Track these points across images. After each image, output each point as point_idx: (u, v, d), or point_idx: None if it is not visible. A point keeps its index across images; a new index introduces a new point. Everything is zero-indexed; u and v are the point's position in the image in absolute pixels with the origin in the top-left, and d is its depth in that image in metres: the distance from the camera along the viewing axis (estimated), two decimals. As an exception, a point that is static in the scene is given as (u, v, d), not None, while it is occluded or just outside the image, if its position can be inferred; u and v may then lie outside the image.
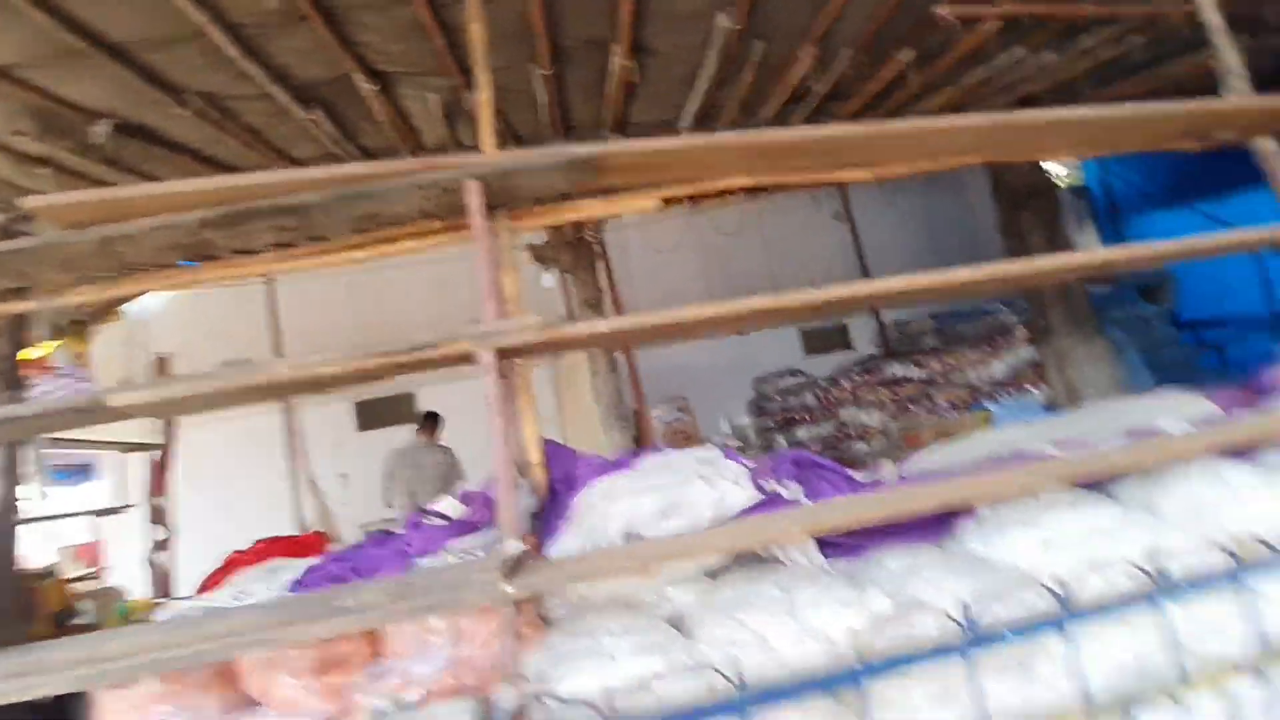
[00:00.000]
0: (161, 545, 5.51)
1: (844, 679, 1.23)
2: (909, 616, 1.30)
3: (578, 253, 4.44)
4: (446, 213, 1.94)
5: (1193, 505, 1.52)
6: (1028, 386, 5.68)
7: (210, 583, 2.98)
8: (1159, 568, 1.38)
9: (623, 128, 4.42)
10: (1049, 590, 1.33)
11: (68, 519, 6.89)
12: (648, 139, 1.94)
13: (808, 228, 8.82)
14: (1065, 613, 1.32)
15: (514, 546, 1.37)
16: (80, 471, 7.82)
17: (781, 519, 1.46)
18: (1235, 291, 7.32)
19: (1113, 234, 8.63)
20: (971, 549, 1.53)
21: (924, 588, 1.37)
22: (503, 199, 1.91)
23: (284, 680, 1.33)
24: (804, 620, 1.32)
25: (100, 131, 3.31)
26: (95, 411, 1.57)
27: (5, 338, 3.86)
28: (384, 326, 6.99)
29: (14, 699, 1.14)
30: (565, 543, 1.50)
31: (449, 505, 1.81)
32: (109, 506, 6.42)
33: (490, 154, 1.85)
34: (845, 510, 1.47)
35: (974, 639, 1.26)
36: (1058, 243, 5.44)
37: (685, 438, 5.19)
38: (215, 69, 3.03)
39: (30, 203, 1.75)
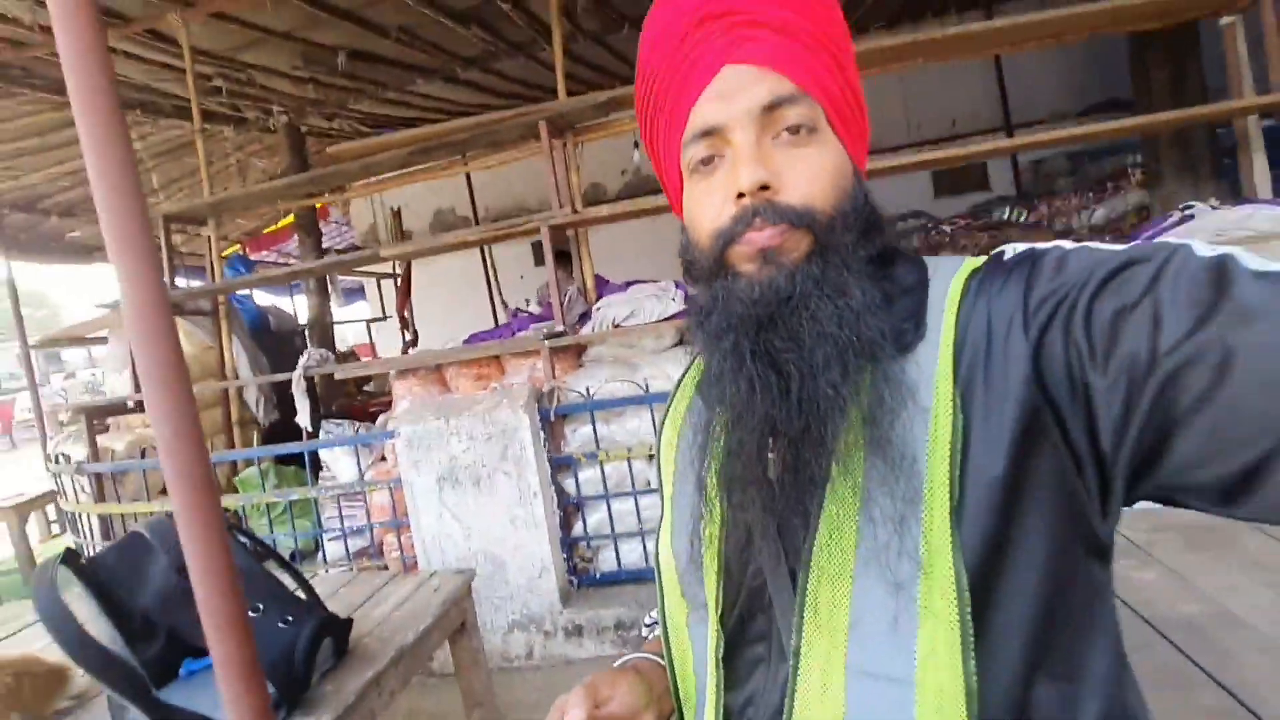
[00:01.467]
0: (411, 344, 7.96)
1: (700, 393, 2.54)
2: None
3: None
4: (538, 136, 3.21)
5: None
6: (1130, 234, 5.69)
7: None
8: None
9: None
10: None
11: (351, 325, 9.90)
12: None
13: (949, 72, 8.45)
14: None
15: (557, 327, 2.82)
16: (355, 293, 10.85)
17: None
18: None
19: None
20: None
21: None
22: (565, 125, 3.13)
23: (462, 380, 2.96)
24: (691, 368, 2.62)
25: (341, 60, 4.91)
26: (374, 256, 3.21)
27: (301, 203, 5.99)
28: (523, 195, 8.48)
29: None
30: (586, 328, 2.91)
31: (534, 307, 3.32)
32: (374, 317, 9.12)
33: (555, 103, 3.03)
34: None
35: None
36: (1188, 79, 5.12)
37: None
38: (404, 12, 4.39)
39: (332, 150, 3.34)
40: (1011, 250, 0.54)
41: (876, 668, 0.48)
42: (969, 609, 0.46)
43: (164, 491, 3.26)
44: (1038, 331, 0.47)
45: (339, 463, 3.03)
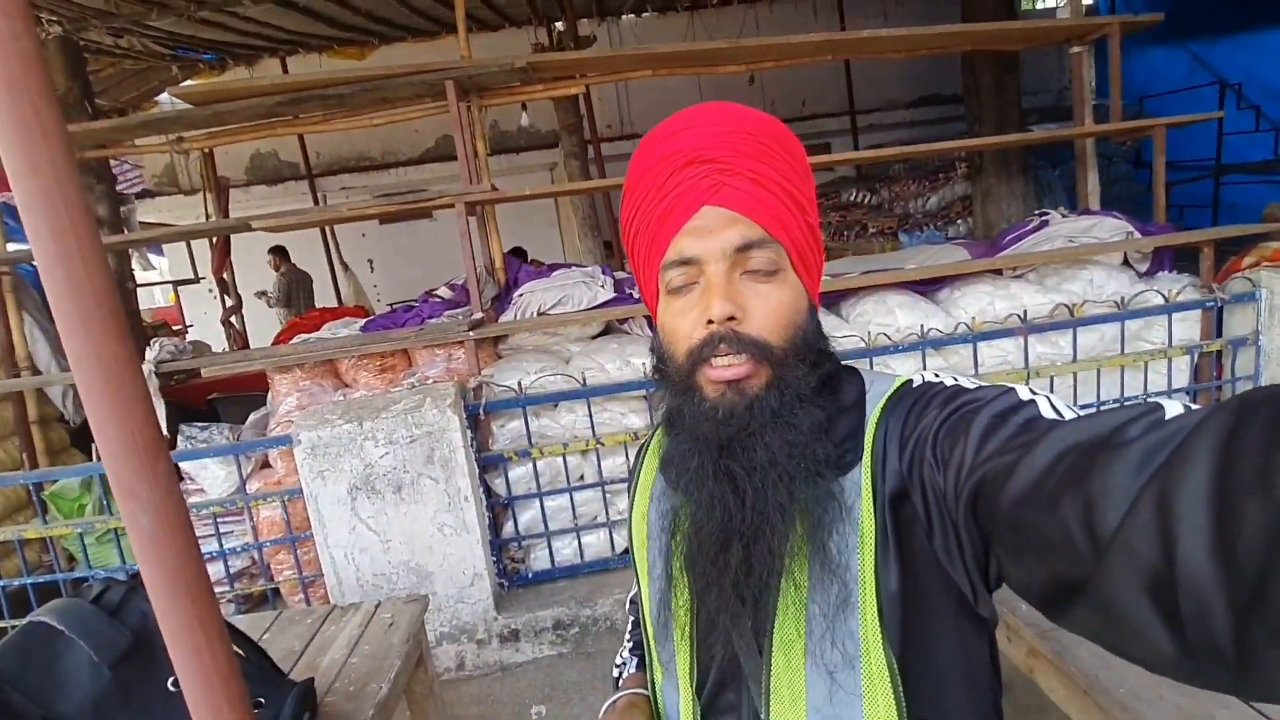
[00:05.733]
0: (233, 311, 6.90)
1: (639, 386, 2.49)
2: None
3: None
4: (435, 95, 2.86)
5: (861, 317, 2.67)
6: (956, 219, 6.51)
7: (280, 340, 4.27)
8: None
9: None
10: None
11: (150, 286, 8.36)
12: (571, 51, 2.77)
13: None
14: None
15: (476, 314, 2.58)
16: (152, 248, 9.12)
17: (620, 309, 2.64)
18: (1196, 138, 7.58)
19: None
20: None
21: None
22: (472, 88, 2.82)
23: (362, 374, 2.63)
24: (627, 360, 2.55)
25: None
26: (244, 226, 2.69)
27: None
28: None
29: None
30: (507, 315, 2.70)
31: (443, 291, 3.01)
32: (184, 279, 7.76)
33: (463, 62, 2.71)
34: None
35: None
36: (1007, 82, 5.86)
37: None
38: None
39: (176, 90, 2.70)
40: (919, 378, 0.64)
41: None
42: (901, 687, 0.57)
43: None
44: (908, 456, 0.58)
45: (207, 472, 2.56)
